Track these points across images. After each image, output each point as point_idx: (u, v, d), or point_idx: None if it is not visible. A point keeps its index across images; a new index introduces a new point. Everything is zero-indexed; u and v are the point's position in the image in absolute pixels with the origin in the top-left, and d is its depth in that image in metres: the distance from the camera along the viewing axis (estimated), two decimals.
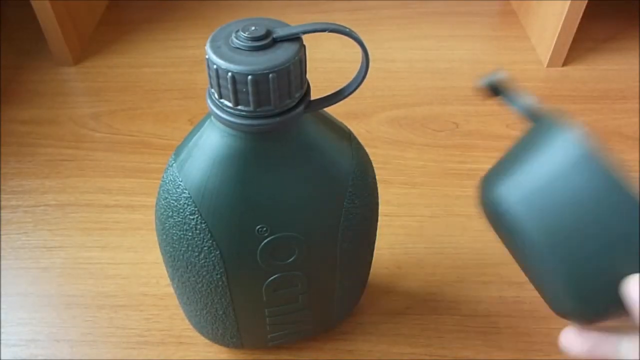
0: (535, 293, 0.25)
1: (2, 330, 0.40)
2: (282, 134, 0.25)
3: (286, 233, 0.27)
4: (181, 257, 0.28)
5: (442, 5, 0.73)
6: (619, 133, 0.55)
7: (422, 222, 0.47)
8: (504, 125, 0.56)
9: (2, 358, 0.38)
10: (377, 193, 0.31)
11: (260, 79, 0.22)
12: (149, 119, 0.57)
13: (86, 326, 0.40)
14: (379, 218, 0.33)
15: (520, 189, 0.21)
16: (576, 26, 0.59)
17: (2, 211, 0.48)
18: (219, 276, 0.28)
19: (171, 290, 0.35)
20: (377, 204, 0.32)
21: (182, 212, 0.27)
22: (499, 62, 0.64)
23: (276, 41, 0.23)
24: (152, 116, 0.57)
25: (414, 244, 0.45)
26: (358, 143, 0.30)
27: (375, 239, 0.34)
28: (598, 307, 0.21)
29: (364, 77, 0.25)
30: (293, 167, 0.26)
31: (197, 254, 0.28)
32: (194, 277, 0.29)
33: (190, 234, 0.27)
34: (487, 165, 0.54)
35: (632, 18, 0.70)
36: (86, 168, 0.51)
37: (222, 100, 0.24)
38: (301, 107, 0.24)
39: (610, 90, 0.60)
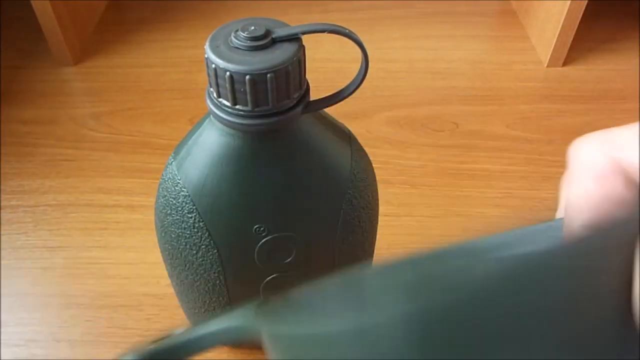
0: None
1: (2, 330, 0.40)
2: (281, 134, 0.25)
3: (284, 233, 0.27)
4: (179, 255, 0.28)
5: (442, 5, 0.73)
6: None
7: (422, 222, 0.47)
8: (504, 125, 0.56)
9: (2, 358, 0.38)
10: (377, 193, 0.31)
11: (258, 79, 0.22)
12: (149, 119, 0.57)
13: (86, 326, 0.40)
14: (379, 218, 0.33)
15: None
16: (576, 26, 0.59)
17: (2, 211, 0.48)
18: (216, 275, 0.28)
19: (171, 290, 0.35)
20: (376, 204, 0.32)
21: (180, 210, 0.27)
22: (499, 62, 0.64)
23: (275, 41, 0.23)
24: (152, 116, 0.57)
25: (414, 244, 0.45)
26: (358, 144, 0.30)
27: (374, 240, 0.34)
28: None
29: (363, 78, 0.25)
30: (292, 167, 0.26)
31: (194, 252, 0.28)
32: (192, 275, 0.29)
33: (188, 232, 0.27)
34: (487, 165, 0.54)
35: (632, 18, 0.70)
36: (86, 168, 0.51)
37: (220, 100, 0.24)
38: (300, 108, 0.24)
39: (610, 90, 0.60)
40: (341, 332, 0.13)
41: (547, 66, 0.63)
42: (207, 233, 0.27)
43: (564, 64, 0.63)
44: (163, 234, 0.29)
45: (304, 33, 0.23)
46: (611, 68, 0.63)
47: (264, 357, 0.40)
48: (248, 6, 0.72)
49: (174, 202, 0.27)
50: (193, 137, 0.27)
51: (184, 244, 0.28)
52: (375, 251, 0.35)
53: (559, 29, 0.59)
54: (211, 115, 0.25)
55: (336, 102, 0.26)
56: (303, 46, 0.24)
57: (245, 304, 0.16)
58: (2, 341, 0.39)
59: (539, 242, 0.16)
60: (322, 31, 0.23)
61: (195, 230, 0.27)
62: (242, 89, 0.23)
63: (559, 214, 0.17)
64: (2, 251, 0.45)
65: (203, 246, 0.27)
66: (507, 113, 0.57)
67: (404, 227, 0.46)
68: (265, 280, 0.29)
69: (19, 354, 0.38)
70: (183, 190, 0.26)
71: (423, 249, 0.15)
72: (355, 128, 0.31)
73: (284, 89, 0.23)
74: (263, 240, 0.27)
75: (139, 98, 0.59)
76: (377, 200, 0.32)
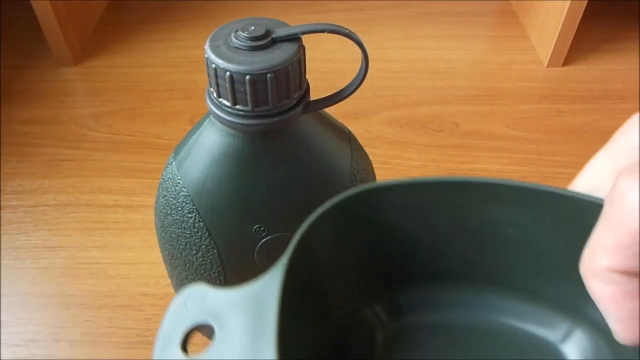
0: None
1: (2, 330, 0.40)
2: (281, 134, 0.25)
3: (284, 233, 0.27)
4: (179, 254, 0.29)
5: (442, 5, 0.73)
6: None
7: None
8: (504, 125, 0.56)
9: (2, 358, 0.38)
10: None
11: (258, 79, 0.22)
12: (149, 119, 0.57)
13: (86, 326, 0.40)
14: None
15: None
16: (576, 26, 0.59)
17: (2, 211, 0.48)
18: (216, 274, 0.28)
19: (171, 290, 0.35)
20: None
21: (180, 210, 0.27)
22: (499, 62, 0.64)
23: (275, 41, 0.23)
24: (152, 116, 0.57)
25: None
26: (358, 144, 0.30)
27: None
28: None
29: (363, 78, 0.25)
30: (291, 167, 0.26)
31: (194, 252, 0.28)
32: (192, 275, 0.29)
33: (188, 232, 0.27)
34: (487, 165, 0.54)
35: (632, 18, 0.70)
36: (86, 168, 0.51)
37: (220, 100, 0.24)
38: (300, 108, 0.25)
39: (610, 90, 0.60)
40: None
41: (547, 66, 0.63)
42: (207, 233, 0.27)
43: (564, 64, 0.63)
44: (163, 234, 0.29)
45: (304, 33, 0.23)
46: (611, 68, 0.63)
47: None
48: (248, 6, 0.72)
49: (174, 202, 0.27)
50: (193, 137, 0.27)
51: (184, 243, 0.28)
52: None
53: (559, 29, 0.59)
54: (211, 115, 0.25)
55: (336, 102, 0.26)
56: (303, 46, 0.24)
57: None
58: (2, 341, 0.39)
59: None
60: (322, 31, 0.23)
61: (195, 230, 0.27)
62: (242, 89, 0.23)
63: (586, 185, 0.18)
64: (2, 251, 0.45)
65: (203, 246, 0.27)
66: (507, 113, 0.57)
67: None
68: None
69: (18, 354, 0.38)
70: (183, 190, 0.26)
71: None
72: (355, 128, 0.31)
73: (284, 89, 0.23)
74: (263, 240, 0.27)
75: (139, 98, 0.59)
76: None
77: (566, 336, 0.20)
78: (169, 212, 0.28)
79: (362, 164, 0.29)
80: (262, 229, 0.27)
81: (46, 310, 0.41)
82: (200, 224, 0.27)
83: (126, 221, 0.47)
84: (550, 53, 0.62)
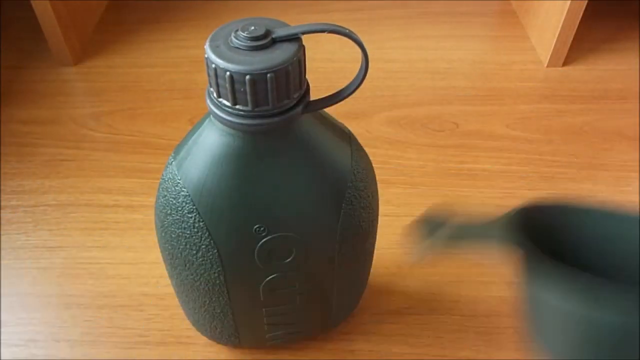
0: None
1: (2, 330, 0.40)
2: (281, 134, 0.25)
3: (284, 233, 0.27)
4: (179, 255, 0.29)
5: (442, 5, 0.73)
6: (619, 133, 0.55)
7: None
8: (504, 125, 0.56)
9: (2, 358, 0.38)
10: (377, 194, 0.31)
11: (258, 79, 0.22)
12: (149, 119, 0.57)
13: (86, 326, 0.40)
14: (379, 218, 0.33)
15: None
16: (576, 26, 0.59)
17: (2, 211, 0.48)
18: (216, 275, 0.28)
19: (171, 290, 0.35)
20: (376, 204, 0.32)
21: (180, 210, 0.27)
22: (499, 62, 0.64)
23: (275, 41, 0.23)
24: (152, 116, 0.57)
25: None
26: (358, 144, 0.30)
27: (375, 240, 0.34)
28: None
29: (363, 78, 0.25)
30: (292, 167, 0.26)
31: (194, 252, 0.28)
32: (192, 275, 0.29)
33: (188, 232, 0.27)
34: (487, 165, 0.54)
35: (632, 18, 0.70)
36: (86, 168, 0.51)
37: (220, 100, 0.24)
38: (300, 108, 0.25)
39: (610, 90, 0.60)
40: (612, 323, 0.16)
41: (547, 66, 0.63)
42: (207, 233, 0.27)
43: (564, 64, 0.63)
44: (163, 234, 0.29)
45: (304, 33, 0.23)
46: (611, 68, 0.63)
47: (263, 357, 0.39)
48: (248, 6, 0.72)
49: (174, 202, 0.27)
50: (193, 137, 0.27)
51: (184, 243, 0.28)
52: (375, 251, 0.35)
53: (559, 29, 0.59)
54: (211, 115, 0.25)
55: (336, 102, 0.26)
56: (303, 46, 0.24)
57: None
58: (2, 341, 0.39)
59: None
60: (322, 31, 0.23)
61: (195, 230, 0.27)
62: (242, 89, 0.23)
63: None
64: (2, 251, 0.45)
65: (203, 246, 0.27)
66: (507, 113, 0.57)
67: (404, 227, 0.46)
68: (265, 280, 0.29)
69: (18, 354, 0.38)
70: (183, 190, 0.26)
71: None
72: (355, 128, 0.31)
73: (284, 89, 0.23)
74: (263, 240, 0.27)
75: (139, 98, 0.59)
76: (377, 200, 0.32)
77: None
78: (168, 212, 0.28)
79: (362, 164, 0.29)
80: (262, 229, 0.27)
81: (46, 310, 0.41)
82: (200, 224, 0.27)
83: (126, 221, 0.47)
84: (550, 53, 0.62)
